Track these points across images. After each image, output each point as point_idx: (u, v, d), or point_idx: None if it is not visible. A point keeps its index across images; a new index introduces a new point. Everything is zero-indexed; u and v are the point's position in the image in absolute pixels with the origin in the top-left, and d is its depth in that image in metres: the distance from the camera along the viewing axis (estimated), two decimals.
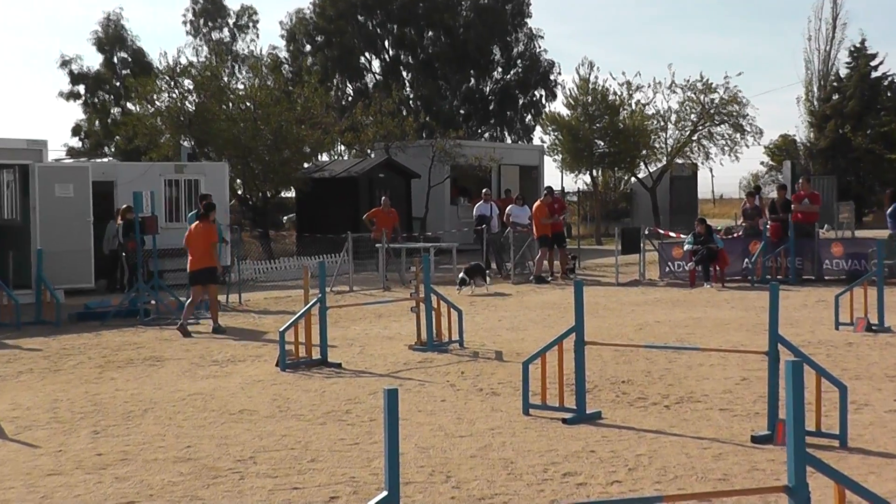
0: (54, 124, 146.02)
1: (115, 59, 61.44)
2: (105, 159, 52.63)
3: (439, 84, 63.29)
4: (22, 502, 7.88)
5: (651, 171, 49.61)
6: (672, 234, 29.81)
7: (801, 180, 28.05)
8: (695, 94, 47.48)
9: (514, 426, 10.11)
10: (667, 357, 13.82)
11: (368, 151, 42.34)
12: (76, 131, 63.15)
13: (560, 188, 48.29)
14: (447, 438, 9.64)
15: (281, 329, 14.00)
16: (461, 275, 23.61)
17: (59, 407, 11.63)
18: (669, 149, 48.73)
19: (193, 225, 18.52)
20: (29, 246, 22.85)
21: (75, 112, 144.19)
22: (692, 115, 48.03)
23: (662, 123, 48.39)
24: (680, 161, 49.61)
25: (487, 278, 24.24)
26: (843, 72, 62.74)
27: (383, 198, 29.37)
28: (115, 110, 60.41)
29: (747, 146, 52.92)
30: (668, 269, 26.25)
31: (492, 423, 10.28)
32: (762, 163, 76.01)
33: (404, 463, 8.25)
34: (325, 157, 44.05)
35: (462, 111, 64.50)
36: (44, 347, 16.53)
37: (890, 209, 24.30)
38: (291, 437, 9.80)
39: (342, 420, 10.57)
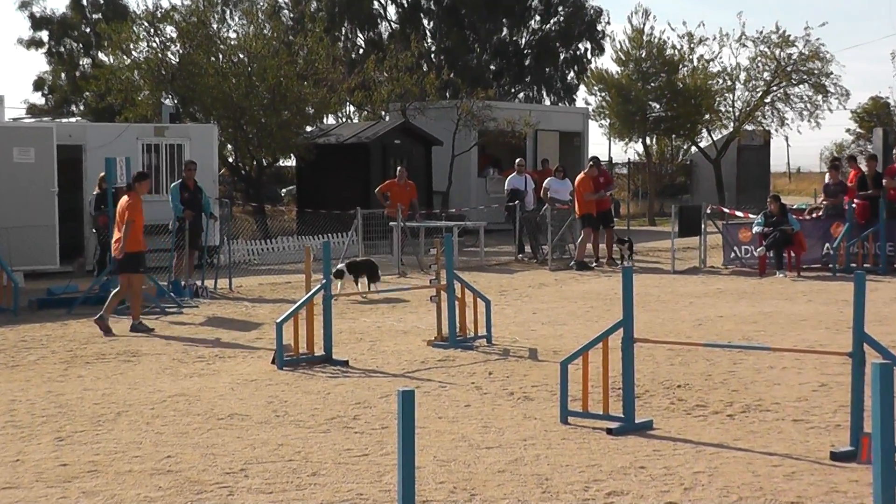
0: (12, 77, 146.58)
1: (85, 2, 61.57)
2: (72, 119, 52.82)
3: (466, 34, 63.18)
4: None
5: (715, 139, 49.52)
6: (739, 213, 29.74)
7: (894, 151, 27.95)
8: (769, 48, 47.41)
9: (549, 436, 10.14)
10: (731, 358, 13.82)
11: (382, 113, 42.33)
12: (38, 85, 63.37)
13: (607, 159, 48.32)
14: (471, 450, 9.67)
15: (278, 320, 14.04)
16: (340, 266, 20.85)
17: (17, 409, 11.70)
18: (737, 113, 48.62)
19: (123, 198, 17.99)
20: None
21: (37, 62, 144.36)
22: (765, 74, 47.97)
23: (730, 83, 48.32)
24: (750, 128, 49.47)
25: (378, 283, 21.26)
26: None
27: (399, 168, 29.38)
28: (85, 61, 60.55)
29: (830, 110, 52.86)
30: (733, 254, 26.21)
31: (524, 432, 10.31)
32: (848, 130, 75.87)
33: (421, 478, 8.28)
34: (331, 120, 44.12)
35: (492, 67, 64.43)
36: None
37: None
38: (289, 447, 9.85)
39: (349, 427, 10.62)
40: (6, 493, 8.59)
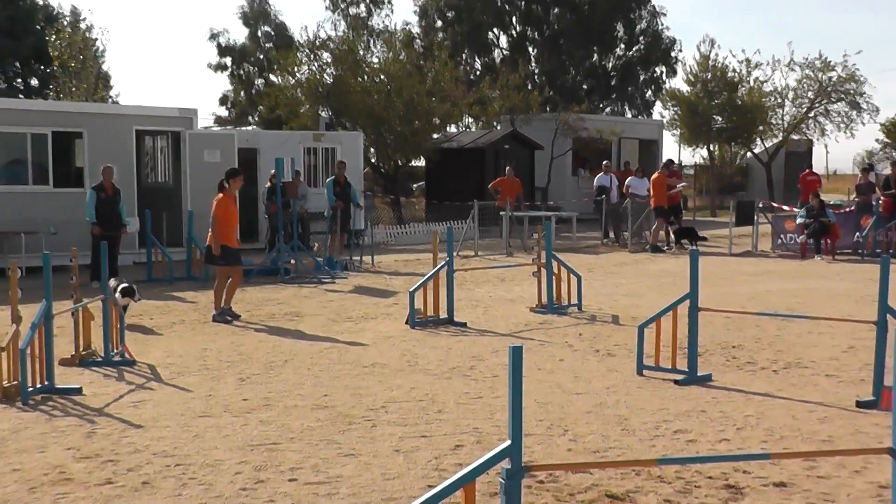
0: (204, 94, 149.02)
1: (260, 33, 62.24)
2: (249, 128, 53.49)
3: (563, 59, 62.80)
4: (176, 440, 8.22)
5: (767, 146, 48.77)
6: (786, 207, 29.33)
7: None
8: (813, 72, 46.55)
9: (628, 385, 10.18)
10: (777, 325, 13.73)
11: (494, 124, 42.36)
12: (223, 101, 64.21)
13: (678, 161, 47.84)
14: (565, 395, 9.75)
15: (411, 289, 14.22)
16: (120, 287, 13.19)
17: (209, 356, 12.03)
18: (786, 125, 47.82)
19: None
20: (181, 207, 23.40)
21: (223, 83, 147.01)
22: (809, 93, 47.08)
23: (780, 100, 47.54)
24: (796, 137, 48.65)
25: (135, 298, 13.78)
26: None
27: (508, 168, 29.40)
28: (259, 81, 61.20)
29: (863, 123, 51.58)
30: (780, 241, 25.89)
31: (607, 382, 10.36)
32: (877, 140, 74.12)
33: (524, 417, 8.30)
34: (453, 129, 44.22)
35: (585, 86, 63.99)
36: (194, 301, 17.00)
37: None
38: (419, 390, 10.01)
39: (467, 375, 10.74)
40: (202, 419, 8.86)
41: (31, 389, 9.71)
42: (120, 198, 19.28)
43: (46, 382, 9.98)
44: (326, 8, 64.66)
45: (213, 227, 15.23)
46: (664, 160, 30.19)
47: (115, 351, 11.63)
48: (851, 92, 46.68)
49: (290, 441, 8.15)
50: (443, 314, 14.31)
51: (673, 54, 64.62)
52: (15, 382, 9.69)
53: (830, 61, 46.21)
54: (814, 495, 6.83)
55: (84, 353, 11.55)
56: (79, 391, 9.99)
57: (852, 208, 26.27)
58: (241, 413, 9.09)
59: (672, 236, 26.97)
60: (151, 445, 8.07)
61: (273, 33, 61.73)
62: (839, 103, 47.20)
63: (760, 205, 27.90)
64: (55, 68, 38.31)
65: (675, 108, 47.86)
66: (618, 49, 64.90)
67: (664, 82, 64.13)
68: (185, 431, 8.49)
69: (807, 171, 33.34)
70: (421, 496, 5.27)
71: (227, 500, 6.79)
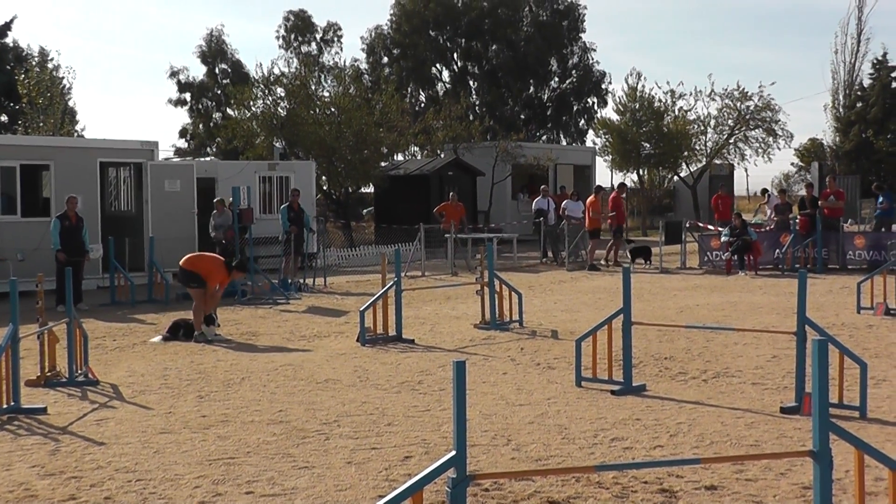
0: (164, 127, 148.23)
1: (217, 70, 62.04)
2: (207, 158, 53.15)
3: (502, 92, 63.16)
4: (137, 456, 8.05)
5: (692, 170, 49.22)
6: (710, 226, 29.55)
7: (828, 179, 27.83)
8: (732, 101, 47.11)
9: (567, 396, 10.13)
10: (705, 336, 13.75)
11: (438, 152, 42.39)
12: (183, 133, 63.86)
13: (609, 185, 48.17)
14: (508, 407, 9.68)
15: (361, 308, 14.10)
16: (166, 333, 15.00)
17: (169, 374, 11.83)
18: (708, 150, 48.35)
19: None
20: (142, 234, 23.16)
21: (182, 117, 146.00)
22: (729, 121, 47.64)
23: (702, 128, 48.04)
24: (718, 161, 49.16)
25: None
26: (867, 82, 61.72)
27: (451, 193, 29.39)
28: (217, 115, 60.97)
29: (779, 148, 52.25)
30: (706, 258, 26.06)
31: (548, 393, 10.30)
32: (792, 163, 75.26)
33: (470, 428, 8.30)
34: (400, 157, 44.22)
35: (522, 116, 64.35)
36: (155, 322, 16.76)
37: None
38: (370, 404, 9.88)
39: (415, 389, 10.64)
40: (162, 436, 8.69)
41: None
42: (83, 225, 19.08)
43: (13, 402, 9.74)
44: (280, 46, 64.75)
45: (214, 297, 14.82)
46: (596, 184, 30.34)
47: (80, 371, 11.42)
48: (767, 119, 47.35)
49: (247, 455, 8.01)
50: (392, 332, 14.21)
51: (603, 86, 65.32)
52: None
53: (748, 91, 46.96)
54: (743, 497, 6.81)
55: (49, 373, 11.32)
56: (44, 410, 9.77)
57: (771, 227, 26.53)
58: (200, 429, 8.92)
59: (608, 254, 27.11)
60: (113, 462, 7.89)
61: (230, 70, 61.54)
62: (757, 130, 47.88)
63: (687, 225, 28.14)
64: (24, 105, 37.86)
65: (607, 136, 48.18)
66: (552, 82, 65.42)
67: (596, 112, 64.81)
68: (146, 447, 8.31)
69: (719, 193, 33.70)
70: None
71: None
